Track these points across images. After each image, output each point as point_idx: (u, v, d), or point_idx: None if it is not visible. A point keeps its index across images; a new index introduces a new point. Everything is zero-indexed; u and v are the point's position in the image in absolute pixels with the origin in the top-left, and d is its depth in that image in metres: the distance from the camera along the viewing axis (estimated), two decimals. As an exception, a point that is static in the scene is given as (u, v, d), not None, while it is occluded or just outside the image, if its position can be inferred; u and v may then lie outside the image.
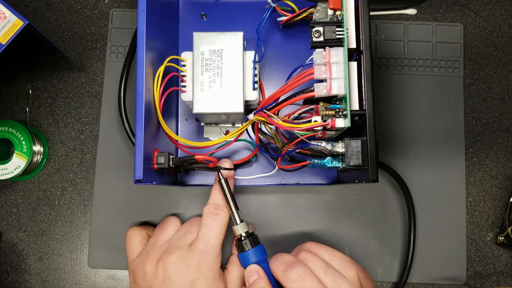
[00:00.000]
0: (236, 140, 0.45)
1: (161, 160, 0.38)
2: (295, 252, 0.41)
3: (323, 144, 0.37)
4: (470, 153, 0.52)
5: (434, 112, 0.51)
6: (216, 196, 0.42)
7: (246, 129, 0.43)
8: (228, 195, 0.40)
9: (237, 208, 0.40)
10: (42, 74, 0.52)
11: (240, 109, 0.40)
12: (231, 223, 0.41)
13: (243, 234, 0.40)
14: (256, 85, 0.42)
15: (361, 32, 0.37)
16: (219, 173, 0.41)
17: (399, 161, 0.50)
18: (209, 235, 0.40)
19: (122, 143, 0.50)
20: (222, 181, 0.40)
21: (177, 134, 0.48)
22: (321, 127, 0.36)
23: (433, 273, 0.49)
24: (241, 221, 0.40)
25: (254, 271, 0.39)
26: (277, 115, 0.39)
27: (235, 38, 0.41)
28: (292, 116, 0.40)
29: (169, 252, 0.41)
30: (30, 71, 0.52)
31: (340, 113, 0.36)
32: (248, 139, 0.47)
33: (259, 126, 0.44)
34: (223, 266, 0.43)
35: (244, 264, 0.40)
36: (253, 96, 0.42)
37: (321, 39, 0.36)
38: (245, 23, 0.49)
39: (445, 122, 0.51)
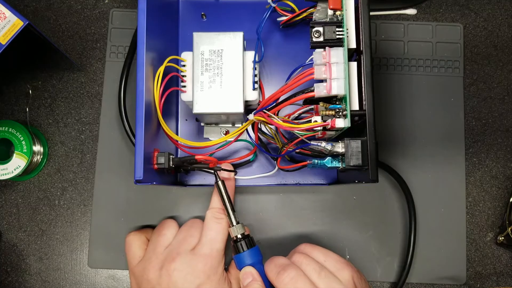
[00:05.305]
0: (236, 140, 0.45)
1: (161, 160, 0.38)
2: (290, 255, 0.41)
3: (323, 144, 0.37)
4: (470, 153, 0.52)
5: (434, 112, 0.51)
6: (218, 200, 0.42)
7: (246, 129, 0.43)
8: (225, 197, 0.40)
9: (233, 210, 0.40)
10: (42, 74, 0.52)
11: (240, 109, 0.40)
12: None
13: (239, 236, 0.40)
14: (256, 85, 0.42)
15: (361, 32, 0.37)
16: (216, 174, 0.41)
17: (399, 161, 0.50)
18: (215, 238, 0.40)
19: (122, 143, 0.50)
20: (219, 182, 0.41)
21: (177, 134, 0.48)
22: (321, 127, 0.36)
23: (433, 273, 0.49)
24: (237, 222, 0.40)
25: (249, 273, 0.39)
26: (277, 115, 0.39)
27: (235, 38, 0.41)
28: (292, 116, 0.40)
29: (171, 258, 0.40)
30: (30, 71, 0.52)
31: (340, 113, 0.36)
32: (248, 139, 0.47)
33: (259, 126, 0.44)
34: (225, 268, 0.43)
35: (239, 266, 0.40)
36: (253, 96, 0.42)
37: (321, 39, 0.36)
38: (245, 23, 0.49)
39: (445, 122, 0.51)
